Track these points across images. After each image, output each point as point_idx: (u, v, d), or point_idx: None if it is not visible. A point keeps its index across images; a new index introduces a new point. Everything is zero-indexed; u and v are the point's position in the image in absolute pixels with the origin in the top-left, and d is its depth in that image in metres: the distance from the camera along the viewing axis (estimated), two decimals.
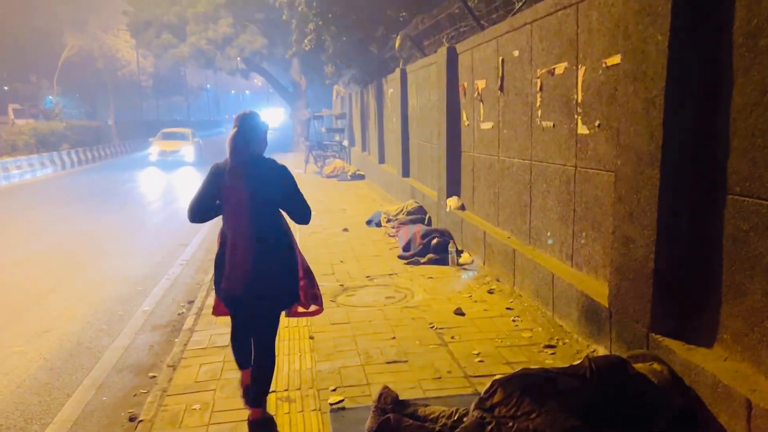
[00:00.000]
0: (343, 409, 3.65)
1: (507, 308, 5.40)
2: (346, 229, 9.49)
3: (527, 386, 3.09)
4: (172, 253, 8.88)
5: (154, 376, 4.53)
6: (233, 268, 3.32)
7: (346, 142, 21.90)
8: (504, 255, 6.08)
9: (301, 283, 3.54)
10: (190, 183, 18.38)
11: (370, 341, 4.75)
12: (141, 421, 3.63)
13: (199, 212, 3.40)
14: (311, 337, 4.85)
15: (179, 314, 6.05)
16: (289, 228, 3.52)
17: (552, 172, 5.19)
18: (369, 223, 9.97)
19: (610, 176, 4.18)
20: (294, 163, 21.57)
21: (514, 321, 5.09)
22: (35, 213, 13.18)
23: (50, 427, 3.91)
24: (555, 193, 5.16)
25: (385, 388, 3.53)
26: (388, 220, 9.52)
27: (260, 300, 3.34)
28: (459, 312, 5.31)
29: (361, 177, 17.43)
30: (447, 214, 8.10)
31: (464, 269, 6.81)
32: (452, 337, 4.76)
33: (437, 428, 3.04)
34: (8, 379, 4.66)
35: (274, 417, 3.55)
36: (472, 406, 3.20)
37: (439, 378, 4.05)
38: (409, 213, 9.38)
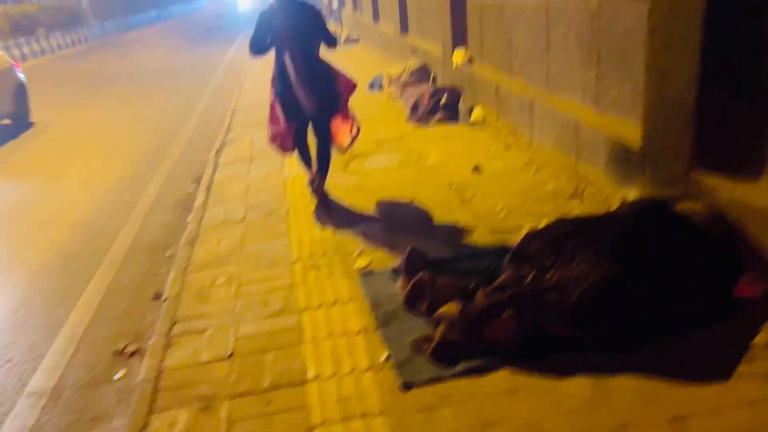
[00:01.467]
0: (372, 272, 3.56)
1: (526, 162, 5.20)
2: None
3: (563, 235, 2.96)
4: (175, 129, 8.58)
5: (170, 255, 4.45)
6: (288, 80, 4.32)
7: (335, 4, 20.63)
8: (520, 107, 5.77)
9: (344, 95, 4.66)
10: None
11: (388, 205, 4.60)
12: (167, 298, 3.57)
13: (256, 47, 4.42)
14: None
15: (187, 193, 5.88)
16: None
17: (573, 10, 4.75)
18: (371, 87, 9.52)
19: (641, 6, 3.77)
20: None
21: (535, 174, 4.91)
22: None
23: (74, 312, 3.87)
24: (575, 34, 4.75)
25: (413, 248, 3.42)
26: (391, 83, 9.07)
27: (312, 101, 4.34)
28: (477, 169, 5.12)
29: (355, 41, 16.56)
30: (454, 70, 7.66)
31: (477, 126, 6.54)
32: (473, 195, 4.61)
33: (473, 285, 2.94)
34: (25, 267, 4.60)
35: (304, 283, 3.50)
36: (506, 259, 3.09)
37: (465, 235, 3.94)
38: (412, 73, 8.90)
